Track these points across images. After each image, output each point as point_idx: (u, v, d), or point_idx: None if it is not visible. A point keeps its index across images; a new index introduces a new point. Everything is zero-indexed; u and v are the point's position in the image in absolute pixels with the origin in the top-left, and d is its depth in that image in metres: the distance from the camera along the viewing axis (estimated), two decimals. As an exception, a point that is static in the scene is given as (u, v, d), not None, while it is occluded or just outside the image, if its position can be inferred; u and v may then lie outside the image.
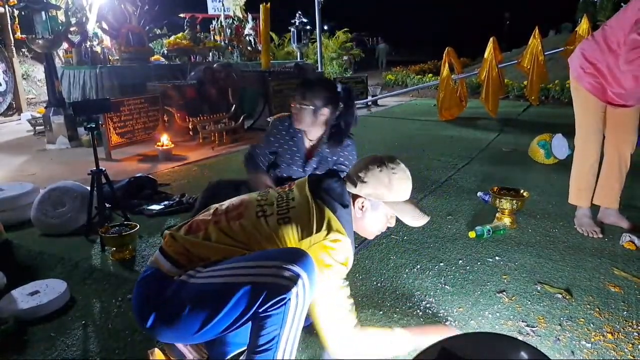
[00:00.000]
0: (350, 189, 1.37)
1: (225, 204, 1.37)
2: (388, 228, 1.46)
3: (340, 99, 2.03)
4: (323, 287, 1.23)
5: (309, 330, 1.63)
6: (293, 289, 1.10)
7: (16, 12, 5.86)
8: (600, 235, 2.37)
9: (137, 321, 1.25)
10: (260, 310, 1.11)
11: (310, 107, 1.98)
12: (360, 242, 2.40)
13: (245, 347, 1.44)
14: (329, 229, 1.25)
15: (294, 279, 1.11)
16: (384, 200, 1.36)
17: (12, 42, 8.08)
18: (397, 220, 1.43)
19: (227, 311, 1.12)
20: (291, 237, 1.24)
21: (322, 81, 2.21)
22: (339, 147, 2.06)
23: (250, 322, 1.15)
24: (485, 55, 6.22)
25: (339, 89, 2.04)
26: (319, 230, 1.24)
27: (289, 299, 1.10)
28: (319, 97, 1.98)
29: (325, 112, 2.00)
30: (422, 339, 1.38)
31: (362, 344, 1.30)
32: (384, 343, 1.36)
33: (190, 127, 5.21)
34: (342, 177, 1.42)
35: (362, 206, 1.38)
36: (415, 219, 1.39)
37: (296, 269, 1.12)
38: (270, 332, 1.12)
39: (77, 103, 3.46)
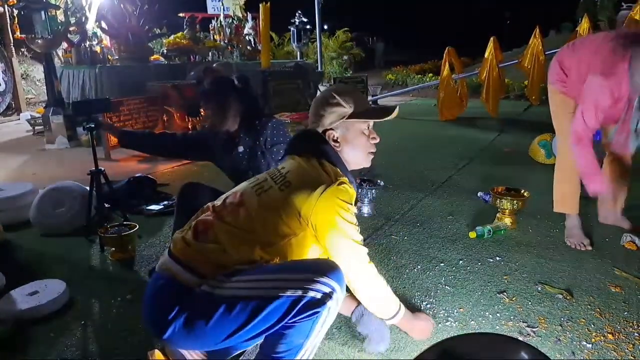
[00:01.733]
0: (319, 129, 1.40)
1: (222, 198, 1.36)
2: (377, 146, 1.46)
3: (239, 87, 2.12)
4: (340, 227, 1.26)
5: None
6: (328, 303, 1.10)
7: (15, 12, 5.86)
8: (589, 248, 2.25)
9: (151, 331, 1.23)
10: (289, 321, 1.10)
11: (216, 105, 2.06)
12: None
13: (245, 349, 1.44)
14: (329, 175, 1.30)
15: (330, 294, 1.10)
16: (346, 116, 1.38)
17: (12, 41, 8.07)
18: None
19: (257, 323, 1.10)
20: (299, 198, 1.25)
21: (217, 81, 2.29)
22: (263, 130, 2.11)
23: None
24: (486, 55, 6.22)
25: (236, 79, 2.14)
26: (321, 181, 1.27)
27: (322, 312, 1.10)
28: (219, 93, 2.08)
29: (230, 103, 2.06)
30: (407, 322, 1.46)
31: (376, 276, 1.36)
32: (390, 294, 1.40)
33: (189, 126, 5.20)
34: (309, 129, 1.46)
35: (334, 137, 1.40)
36: (384, 112, 1.41)
37: (332, 282, 1.11)
38: (294, 340, 1.12)
39: (77, 102, 3.45)
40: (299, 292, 1.09)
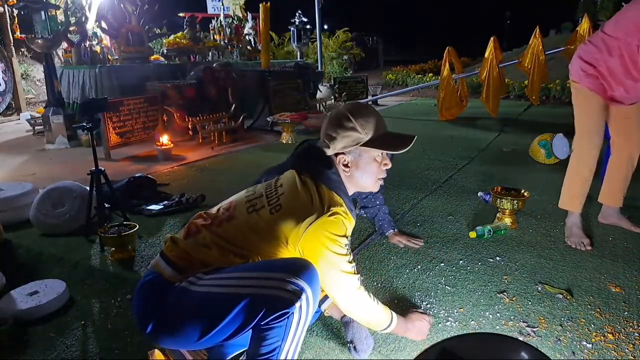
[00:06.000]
0: (327, 152, 1.34)
1: (216, 207, 1.36)
2: (388, 172, 1.39)
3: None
4: (326, 258, 1.24)
5: (309, 331, 1.62)
6: (297, 303, 1.09)
7: (15, 12, 5.85)
8: (589, 248, 2.23)
9: (138, 326, 1.24)
10: (262, 323, 1.09)
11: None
12: (361, 242, 2.40)
13: (244, 349, 1.44)
14: (323, 204, 1.24)
15: (298, 293, 1.10)
16: (360, 143, 1.30)
17: (12, 41, 8.07)
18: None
19: (228, 322, 1.10)
20: (287, 226, 1.23)
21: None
22: None
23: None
24: (486, 54, 6.21)
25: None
26: (313, 210, 1.23)
27: (292, 312, 1.09)
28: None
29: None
30: (401, 327, 1.47)
31: (365, 301, 1.34)
32: (380, 312, 1.40)
33: (189, 126, 5.20)
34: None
35: (345, 162, 1.32)
36: (400, 144, 1.31)
37: (300, 282, 1.11)
38: (272, 343, 1.11)
39: (84, 103, 3.42)
40: (266, 291, 1.10)
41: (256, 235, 1.24)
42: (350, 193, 1.37)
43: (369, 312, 1.37)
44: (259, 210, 1.26)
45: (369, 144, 1.30)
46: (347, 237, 1.28)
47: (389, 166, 1.37)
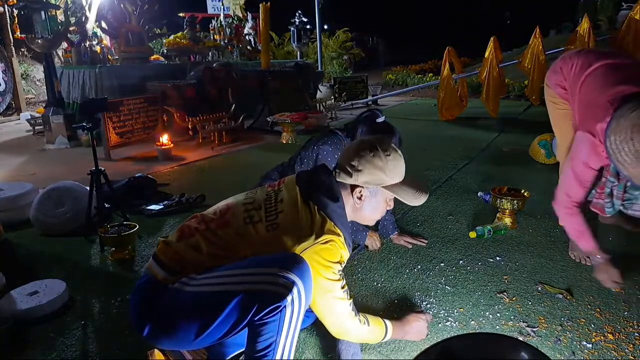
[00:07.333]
0: (346, 179, 1.33)
1: (212, 209, 1.35)
2: (387, 211, 1.44)
3: None
4: (319, 283, 1.23)
5: (309, 331, 1.62)
6: (288, 297, 1.09)
7: (15, 12, 5.85)
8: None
9: (136, 329, 1.25)
10: (256, 318, 1.10)
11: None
12: (359, 244, 2.39)
13: (244, 348, 1.44)
14: (321, 231, 1.23)
15: (289, 287, 1.10)
16: (384, 185, 1.33)
17: (12, 41, 8.07)
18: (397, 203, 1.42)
19: (222, 320, 1.11)
20: (281, 245, 1.22)
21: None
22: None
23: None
24: (486, 54, 6.22)
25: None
26: (309, 235, 1.22)
27: (285, 306, 1.09)
28: None
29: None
30: (399, 332, 1.49)
31: (356, 328, 1.34)
32: (373, 331, 1.40)
33: (189, 126, 5.21)
34: (333, 168, 1.39)
35: (361, 195, 1.35)
36: (416, 197, 1.36)
37: (291, 276, 1.11)
38: (267, 339, 1.12)
39: (84, 103, 3.43)
40: (258, 286, 1.10)
41: (249, 248, 1.23)
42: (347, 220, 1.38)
43: (360, 336, 1.38)
44: (255, 223, 1.25)
45: (391, 188, 1.34)
46: (341, 264, 1.28)
47: (392, 207, 1.43)
